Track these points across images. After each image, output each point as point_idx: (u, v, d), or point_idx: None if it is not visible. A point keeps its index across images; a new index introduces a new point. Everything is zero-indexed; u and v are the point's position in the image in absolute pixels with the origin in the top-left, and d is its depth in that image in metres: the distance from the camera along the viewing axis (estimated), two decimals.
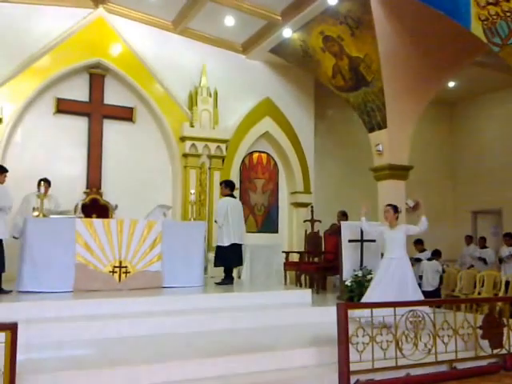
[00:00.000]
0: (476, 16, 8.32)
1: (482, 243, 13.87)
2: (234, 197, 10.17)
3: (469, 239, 14.35)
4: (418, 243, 13.08)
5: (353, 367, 5.75)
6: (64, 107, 11.70)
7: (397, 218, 8.05)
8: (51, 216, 9.04)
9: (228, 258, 9.76)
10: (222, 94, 12.87)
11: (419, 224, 7.97)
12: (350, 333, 5.88)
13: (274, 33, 12.15)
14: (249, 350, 6.23)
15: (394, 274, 7.64)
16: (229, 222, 9.69)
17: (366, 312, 6.27)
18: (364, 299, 7.70)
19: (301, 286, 11.29)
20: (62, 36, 11.54)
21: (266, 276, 11.21)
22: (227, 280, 9.75)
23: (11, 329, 4.60)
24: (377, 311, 6.23)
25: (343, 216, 11.05)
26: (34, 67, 11.20)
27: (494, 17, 8.07)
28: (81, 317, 6.89)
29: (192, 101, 12.63)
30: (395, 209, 8.04)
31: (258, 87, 13.51)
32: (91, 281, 8.34)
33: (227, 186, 10.09)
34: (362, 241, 9.21)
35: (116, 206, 10.92)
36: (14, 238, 8.93)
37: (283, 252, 12.15)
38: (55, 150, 11.61)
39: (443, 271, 12.20)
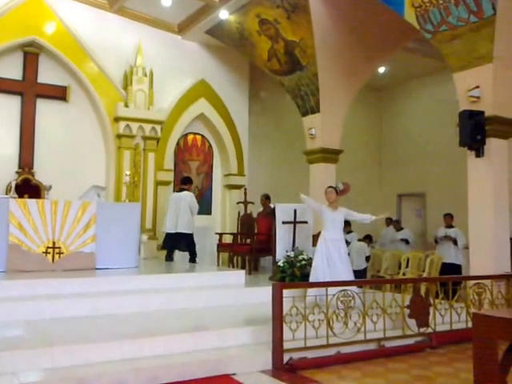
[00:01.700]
0: (410, 3, 8.57)
1: (398, 226, 14.19)
2: (183, 190, 11.01)
3: (388, 221, 14.75)
4: (345, 224, 13.40)
5: (286, 345, 5.90)
6: None
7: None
8: None
9: (167, 243, 11.15)
10: (157, 74, 12.77)
11: (362, 215, 8.38)
12: (284, 312, 6.04)
13: (210, 14, 12.14)
14: (185, 329, 6.32)
15: (333, 254, 7.97)
16: (172, 212, 10.81)
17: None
18: (312, 279, 7.97)
19: (234, 267, 11.42)
20: None
21: (199, 257, 11.30)
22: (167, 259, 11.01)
23: None
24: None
25: (266, 199, 11.36)
26: None
27: (427, 4, 8.34)
28: (13, 297, 6.80)
29: (127, 81, 12.50)
30: (337, 190, 8.27)
31: (194, 68, 13.48)
32: (24, 261, 8.24)
33: (180, 182, 11.52)
34: (295, 222, 9.39)
35: (50, 187, 10.73)
36: None
37: (216, 234, 12.25)
38: None
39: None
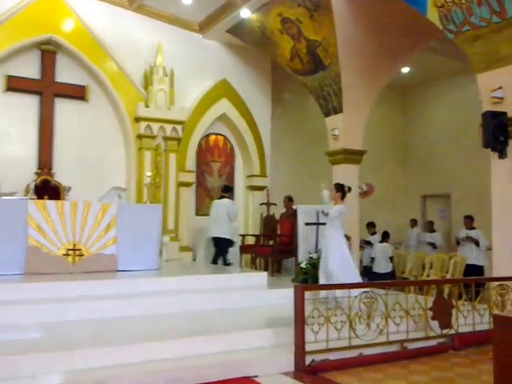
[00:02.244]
0: (432, 2, 8.44)
1: (431, 227, 14.10)
2: (223, 197, 11.53)
3: (413, 222, 14.63)
4: (370, 226, 13.30)
5: (308, 347, 5.83)
6: (14, 85, 11.39)
7: (341, 197, 8.00)
8: (2, 197, 8.81)
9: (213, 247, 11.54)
10: (178, 74, 12.70)
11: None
12: (306, 314, 5.96)
13: (231, 13, 12.06)
14: (206, 331, 6.24)
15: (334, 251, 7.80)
16: (212, 218, 11.37)
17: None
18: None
19: (256, 268, 11.35)
20: (12, 11, 11.15)
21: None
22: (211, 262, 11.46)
23: None
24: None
25: (289, 201, 11.35)
26: None
27: (450, 4, 8.19)
28: (33, 300, 6.75)
29: (147, 80, 12.43)
30: (338, 188, 8.03)
31: (215, 68, 13.41)
32: (44, 264, 8.13)
33: (221, 190, 12.06)
34: (317, 224, 9.28)
35: (69, 188, 10.75)
36: None
37: (239, 235, 12.19)
38: (5, 129, 11.26)
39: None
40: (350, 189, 8.25)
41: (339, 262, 7.77)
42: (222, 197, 11.58)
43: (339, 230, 7.99)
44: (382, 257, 12.07)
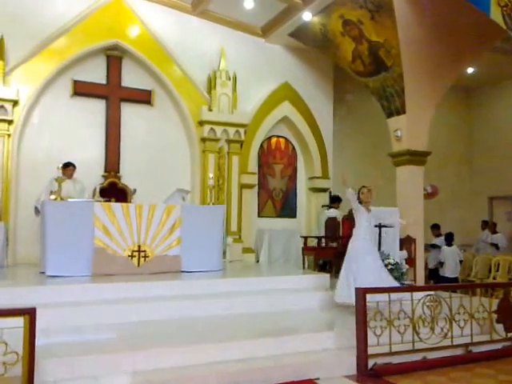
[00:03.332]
0: (495, 2, 8.25)
1: (493, 229, 13.89)
2: (331, 208, 12.81)
3: (484, 224, 14.37)
4: (435, 228, 13.11)
5: (371, 351, 5.83)
6: (81, 89, 11.64)
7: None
8: (69, 199, 9.05)
9: None
10: (240, 77, 12.78)
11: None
12: (368, 317, 5.95)
13: (293, 16, 12.06)
14: (269, 333, 6.33)
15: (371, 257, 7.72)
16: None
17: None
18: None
19: (319, 270, 11.35)
20: (79, 17, 11.42)
21: (285, 260, 11.32)
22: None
23: (29, 313, 4.59)
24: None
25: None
26: (51, 49, 11.10)
27: None
28: (100, 301, 6.93)
29: (211, 84, 12.55)
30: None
31: (277, 71, 13.43)
32: (110, 265, 8.35)
33: (330, 200, 13.28)
34: (380, 226, 9.22)
35: (135, 191, 10.96)
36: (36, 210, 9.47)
37: (301, 237, 12.22)
38: (73, 133, 11.53)
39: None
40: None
41: None
42: (330, 207, 12.78)
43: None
44: (452, 261, 11.89)
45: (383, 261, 8.58)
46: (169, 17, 12.46)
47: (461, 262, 12.19)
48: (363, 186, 8.09)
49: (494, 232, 13.74)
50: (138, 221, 8.67)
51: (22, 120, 10.89)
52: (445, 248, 12.11)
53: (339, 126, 14.43)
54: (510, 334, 6.84)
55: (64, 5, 11.48)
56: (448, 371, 5.92)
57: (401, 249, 9.61)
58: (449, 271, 11.84)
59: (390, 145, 11.87)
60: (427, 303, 6.40)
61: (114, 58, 12.00)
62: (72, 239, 8.21)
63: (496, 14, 8.23)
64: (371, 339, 5.90)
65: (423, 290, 6.74)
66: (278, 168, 13.81)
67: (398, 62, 10.82)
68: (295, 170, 14.07)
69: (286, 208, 13.83)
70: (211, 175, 10.91)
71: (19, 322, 4.53)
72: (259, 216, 13.41)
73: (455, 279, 11.69)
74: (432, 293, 6.58)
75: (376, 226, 9.19)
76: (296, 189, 14.02)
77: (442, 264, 12.07)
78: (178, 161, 12.53)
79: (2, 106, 10.55)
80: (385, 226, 9.26)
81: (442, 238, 12.71)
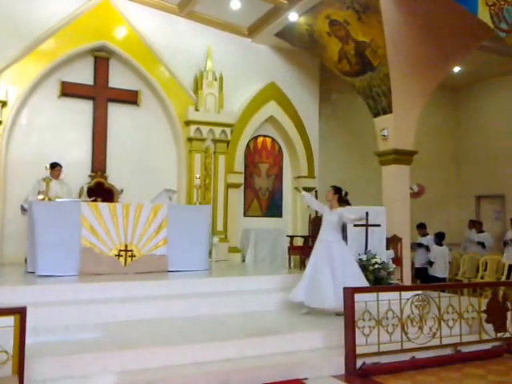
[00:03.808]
0: (483, 1, 8.28)
1: (479, 228, 13.96)
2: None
3: (471, 224, 14.43)
4: (421, 227, 13.12)
5: (359, 350, 5.83)
6: (68, 90, 11.61)
7: (338, 199, 7.75)
8: (56, 199, 9.02)
9: None
10: (227, 77, 12.78)
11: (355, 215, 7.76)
12: (357, 317, 5.94)
13: (279, 16, 12.07)
14: (256, 333, 6.29)
15: (336, 257, 7.43)
16: None
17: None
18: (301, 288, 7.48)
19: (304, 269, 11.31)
20: (66, 18, 11.42)
21: (271, 260, 11.28)
22: None
23: (20, 312, 4.61)
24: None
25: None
26: (39, 50, 11.09)
27: (502, 2, 8.03)
28: (87, 300, 6.91)
29: (197, 84, 12.55)
30: (336, 190, 7.77)
31: (264, 71, 13.44)
32: (97, 264, 8.34)
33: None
34: (367, 225, 9.23)
35: (121, 190, 10.93)
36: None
37: (287, 236, 12.19)
38: (60, 134, 11.52)
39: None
40: (346, 194, 7.94)
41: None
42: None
43: (340, 234, 7.87)
44: (441, 260, 11.92)
45: (369, 261, 8.59)
46: (156, 18, 12.46)
47: (449, 262, 12.23)
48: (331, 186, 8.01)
49: (480, 231, 13.81)
50: (125, 220, 8.66)
51: (10, 121, 10.87)
52: (435, 248, 12.14)
53: (325, 125, 14.47)
54: (499, 334, 6.85)
55: (52, 7, 11.47)
56: (437, 371, 5.93)
57: (387, 248, 9.61)
58: (439, 271, 11.87)
59: (376, 144, 11.88)
60: (416, 303, 6.39)
61: (102, 59, 11.98)
62: (60, 239, 8.18)
63: (484, 14, 8.27)
64: (359, 339, 5.90)
65: (412, 289, 6.73)
66: (264, 167, 13.80)
67: (385, 61, 10.83)
68: (281, 169, 14.08)
69: (272, 207, 13.83)
70: (198, 175, 10.87)
71: (8, 321, 4.53)
72: (245, 215, 13.40)
73: (444, 279, 11.73)
74: (420, 292, 6.58)
75: (363, 226, 9.21)
76: (282, 188, 14.04)
77: (431, 263, 12.10)
78: (165, 161, 12.49)
79: None
80: (371, 226, 9.26)
81: (428, 237, 12.75)
